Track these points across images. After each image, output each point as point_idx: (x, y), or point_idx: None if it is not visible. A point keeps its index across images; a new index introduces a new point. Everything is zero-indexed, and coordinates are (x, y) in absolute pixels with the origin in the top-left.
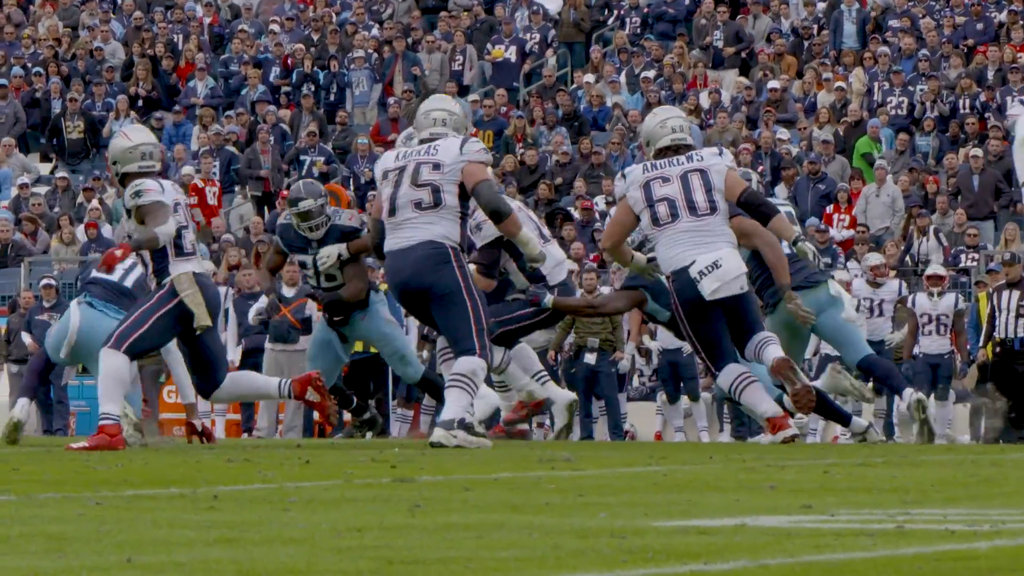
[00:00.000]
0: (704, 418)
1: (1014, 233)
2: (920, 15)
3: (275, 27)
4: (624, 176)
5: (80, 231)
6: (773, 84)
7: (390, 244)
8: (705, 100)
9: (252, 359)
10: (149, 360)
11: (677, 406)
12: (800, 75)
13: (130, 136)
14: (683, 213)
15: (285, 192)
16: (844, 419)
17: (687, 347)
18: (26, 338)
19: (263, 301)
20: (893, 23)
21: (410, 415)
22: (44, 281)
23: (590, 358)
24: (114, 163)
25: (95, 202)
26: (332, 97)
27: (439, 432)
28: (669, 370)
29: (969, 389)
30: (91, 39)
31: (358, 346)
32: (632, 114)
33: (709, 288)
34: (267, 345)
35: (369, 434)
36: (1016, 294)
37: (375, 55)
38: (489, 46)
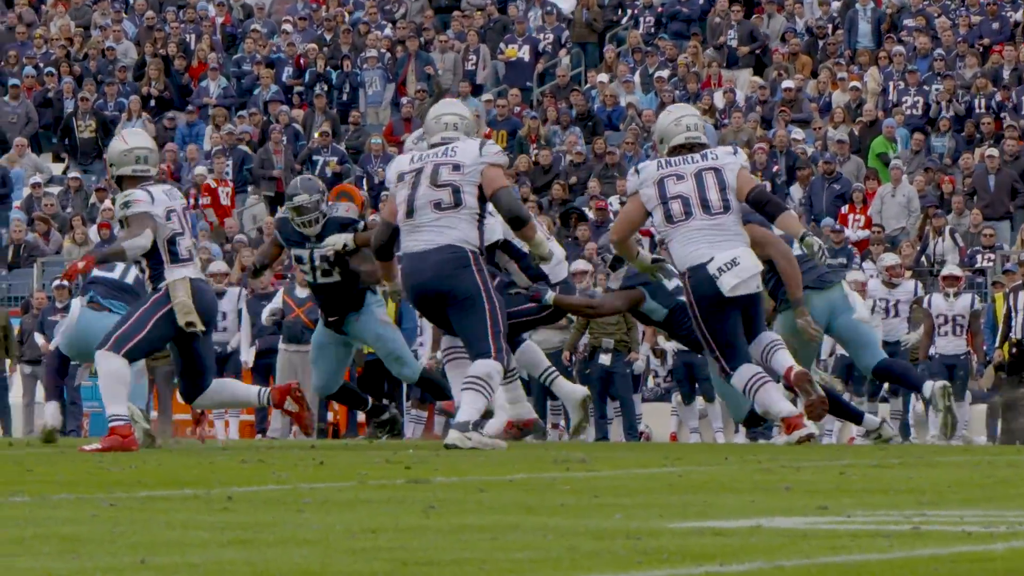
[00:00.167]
0: (719, 419)
1: None
2: (935, 14)
3: (288, 27)
4: (637, 172)
5: (93, 231)
6: (788, 84)
7: (408, 246)
8: (719, 100)
9: (266, 360)
10: (163, 361)
11: (692, 407)
12: (815, 75)
13: (127, 139)
14: (696, 211)
15: None
16: (857, 418)
17: None
18: (39, 339)
19: (276, 301)
20: (908, 22)
21: (424, 416)
22: (56, 282)
23: (605, 359)
24: (111, 165)
25: (107, 202)
26: (345, 97)
27: (454, 434)
28: (684, 371)
29: (994, 387)
30: (103, 39)
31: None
32: (646, 114)
33: (729, 284)
34: (281, 346)
35: (384, 435)
36: None
37: (388, 55)
38: (502, 46)
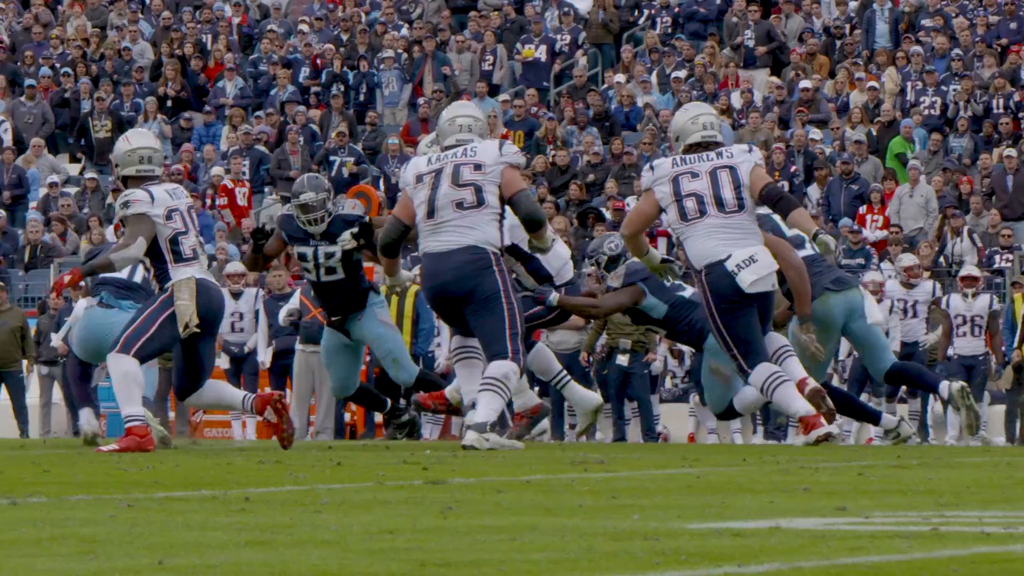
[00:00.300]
0: (737, 420)
1: None
2: (953, 14)
3: (304, 27)
4: (652, 168)
5: (110, 232)
6: (805, 84)
7: (429, 247)
8: (737, 100)
9: (283, 360)
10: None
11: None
12: (832, 75)
13: (130, 140)
14: (711, 209)
15: None
16: (874, 418)
17: None
18: (56, 339)
19: (293, 302)
20: (926, 22)
21: (441, 417)
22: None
23: (622, 359)
24: (116, 166)
25: None
26: (362, 97)
27: (471, 435)
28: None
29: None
30: (119, 39)
31: None
32: (663, 114)
33: (748, 280)
34: (298, 346)
35: (402, 436)
36: None
37: (405, 55)
38: (519, 46)
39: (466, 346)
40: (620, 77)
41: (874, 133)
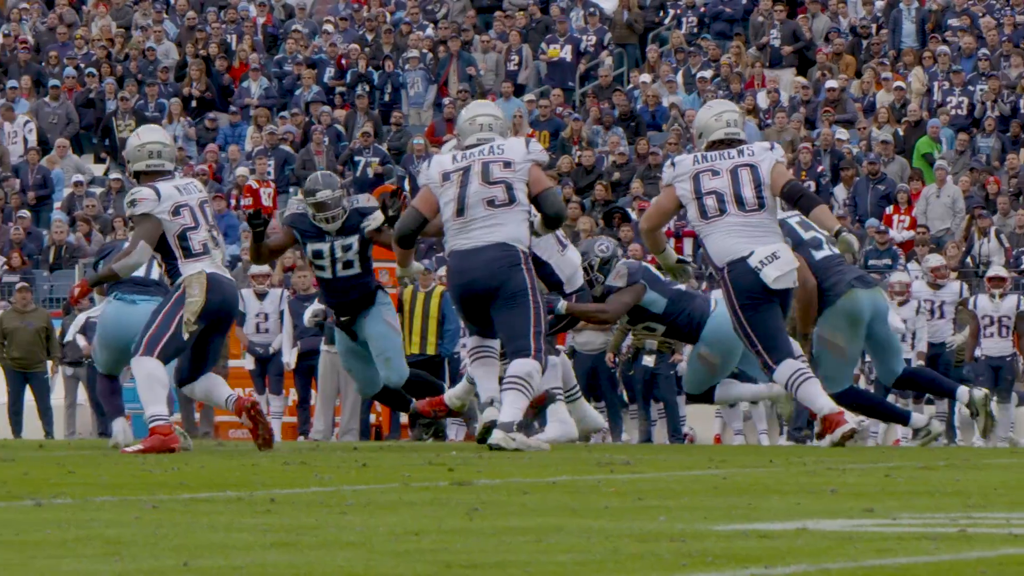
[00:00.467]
0: (764, 421)
1: None
2: (980, 14)
3: (329, 27)
4: (673, 164)
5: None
6: (831, 84)
7: (458, 244)
8: (763, 100)
9: (308, 361)
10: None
11: (736, 409)
12: (859, 75)
13: (141, 135)
14: (731, 207)
15: None
16: (903, 418)
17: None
18: (80, 340)
19: (318, 302)
20: (952, 22)
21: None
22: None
23: (648, 360)
24: (128, 162)
25: None
26: (387, 97)
27: (497, 434)
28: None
29: None
30: (144, 39)
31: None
32: (689, 114)
33: (772, 275)
34: (323, 347)
35: (427, 437)
36: None
37: (430, 55)
38: (544, 46)
39: (483, 346)
40: (646, 77)
41: (901, 133)
